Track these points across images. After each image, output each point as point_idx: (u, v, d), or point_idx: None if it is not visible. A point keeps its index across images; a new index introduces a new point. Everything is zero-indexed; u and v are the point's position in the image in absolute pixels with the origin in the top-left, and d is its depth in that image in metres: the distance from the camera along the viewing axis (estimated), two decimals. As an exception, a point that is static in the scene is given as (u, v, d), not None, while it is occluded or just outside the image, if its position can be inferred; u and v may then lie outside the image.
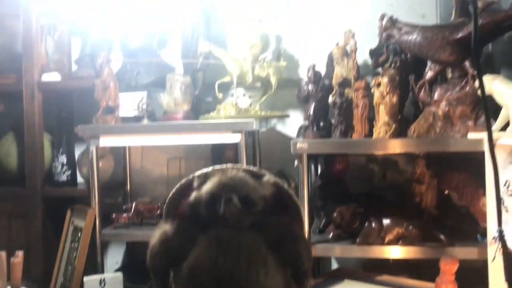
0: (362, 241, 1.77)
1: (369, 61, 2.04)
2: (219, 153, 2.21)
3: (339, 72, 1.99)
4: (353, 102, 1.86)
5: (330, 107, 2.04)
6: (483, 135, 1.48)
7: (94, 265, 2.07)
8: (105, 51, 2.12)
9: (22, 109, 2.19)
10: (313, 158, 2.16)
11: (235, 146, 2.11)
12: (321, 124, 1.95)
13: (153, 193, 2.39)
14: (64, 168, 2.25)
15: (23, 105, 2.19)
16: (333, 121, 1.94)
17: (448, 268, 1.55)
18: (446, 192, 1.84)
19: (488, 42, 1.85)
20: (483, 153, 1.52)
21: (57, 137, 2.29)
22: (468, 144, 1.64)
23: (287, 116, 2.27)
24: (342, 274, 1.92)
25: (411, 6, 2.23)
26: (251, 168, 1.30)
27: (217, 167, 1.25)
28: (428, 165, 1.82)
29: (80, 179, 2.31)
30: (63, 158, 2.26)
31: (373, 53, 2.00)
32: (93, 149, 2.03)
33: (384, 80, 1.79)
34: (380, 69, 1.99)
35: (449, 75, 1.85)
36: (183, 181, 1.27)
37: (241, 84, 2.20)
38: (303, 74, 2.18)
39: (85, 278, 1.92)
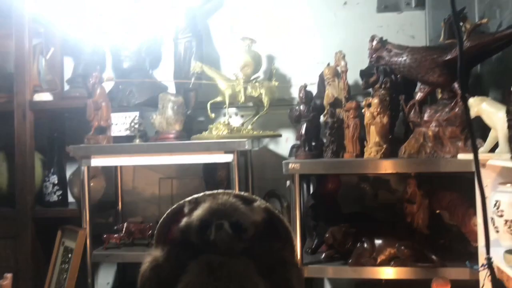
0: (354, 262, 1.77)
1: (360, 82, 2.07)
2: (211, 173, 2.21)
3: (330, 92, 2.01)
4: (344, 122, 1.88)
5: (322, 126, 2.05)
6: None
7: (85, 287, 2.05)
8: (97, 71, 2.12)
9: (13, 128, 2.18)
10: (305, 177, 2.17)
11: (227, 166, 2.11)
12: (313, 143, 1.96)
13: (145, 212, 2.38)
14: (55, 188, 2.24)
15: (15, 124, 2.18)
16: (325, 140, 1.95)
17: (440, 290, 1.56)
18: (438, 211, 1.85)
19: (476, 64, 1.88)
20: (473, 173, 1.52)
21: (48, 157, 2.28)
22: (458, 165, 1.65)
23: (279, 135, 2.28)
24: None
25: (401, 27, 2.27)
26: (242, 193, 1.30)
27: (208, 192, 1.25)
28: (419, 185, 1.83)
29: (71, 199, 2.30)
30: (54, 178, 2.24)
31: (364, 74, 2.02)
32: (84, 169, 2.02)
33: (375, 100, 1.81)
34: (370, 90, 2.02)
35: (439, 95, 1.87)
36: (174, 206, 1.27)
37: (234, 104, 2.22)
38: (295, 94, 2.19)
39: (75, 301, 1.90)
